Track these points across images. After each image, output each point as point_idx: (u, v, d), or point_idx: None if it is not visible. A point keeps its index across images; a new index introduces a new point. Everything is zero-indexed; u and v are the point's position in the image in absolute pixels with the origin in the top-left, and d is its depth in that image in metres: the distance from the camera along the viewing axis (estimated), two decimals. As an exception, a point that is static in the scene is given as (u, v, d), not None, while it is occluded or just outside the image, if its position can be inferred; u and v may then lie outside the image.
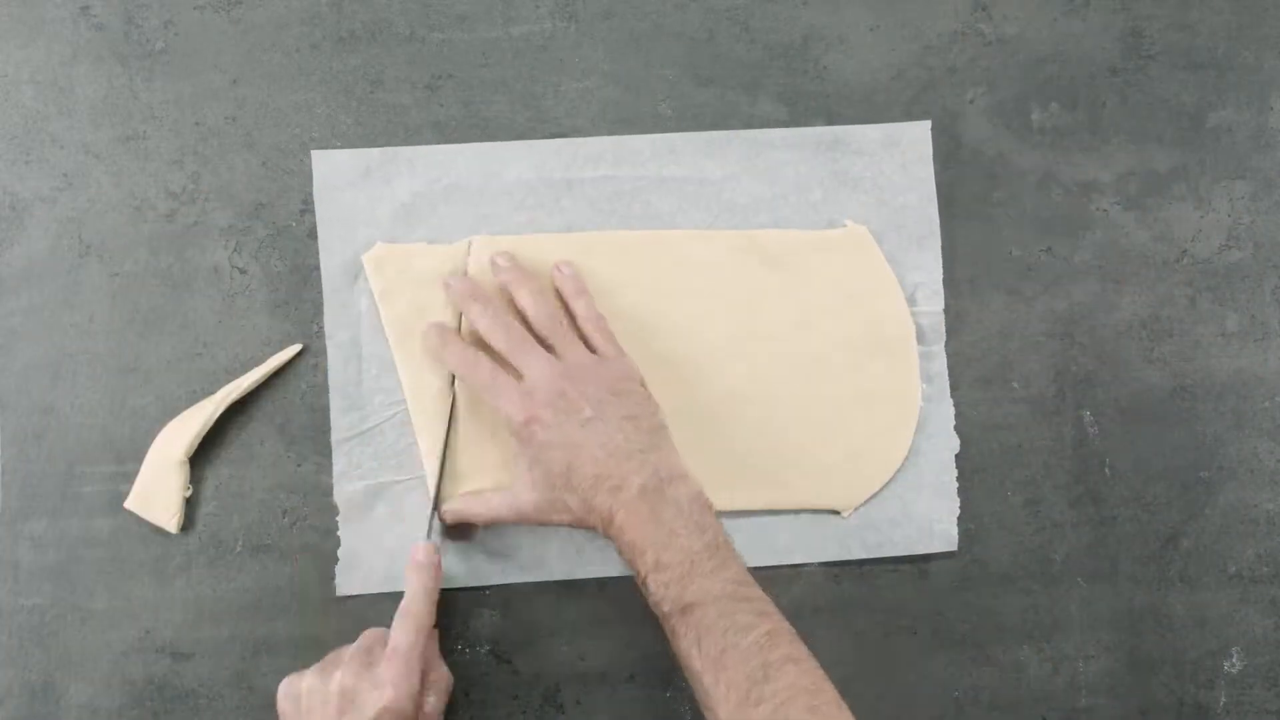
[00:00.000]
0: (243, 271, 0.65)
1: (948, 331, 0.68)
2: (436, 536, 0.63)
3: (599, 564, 0.65)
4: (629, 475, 0.56)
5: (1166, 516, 0.69)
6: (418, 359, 0.64)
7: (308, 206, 0.65)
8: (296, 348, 0.65)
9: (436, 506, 0.63)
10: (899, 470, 0.66)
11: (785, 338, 0.66)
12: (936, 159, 0.68)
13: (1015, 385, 0.68)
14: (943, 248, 0.68)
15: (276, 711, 0.57)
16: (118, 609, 0.63)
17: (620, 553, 0.57)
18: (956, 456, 0.67)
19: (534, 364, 0.59)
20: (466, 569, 0.64)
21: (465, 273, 0.65)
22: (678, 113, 0.68)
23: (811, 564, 0.66)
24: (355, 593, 0.63)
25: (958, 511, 0.67)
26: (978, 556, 0.67)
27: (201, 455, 0.64)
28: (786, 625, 0.54)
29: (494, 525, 0.63)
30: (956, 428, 0.67)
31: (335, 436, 0.64)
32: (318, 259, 0.65)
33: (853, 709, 0.66)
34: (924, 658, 0.67)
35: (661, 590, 0.54)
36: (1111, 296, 0.69)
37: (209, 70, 0.66)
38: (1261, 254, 0.70)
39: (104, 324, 0.64)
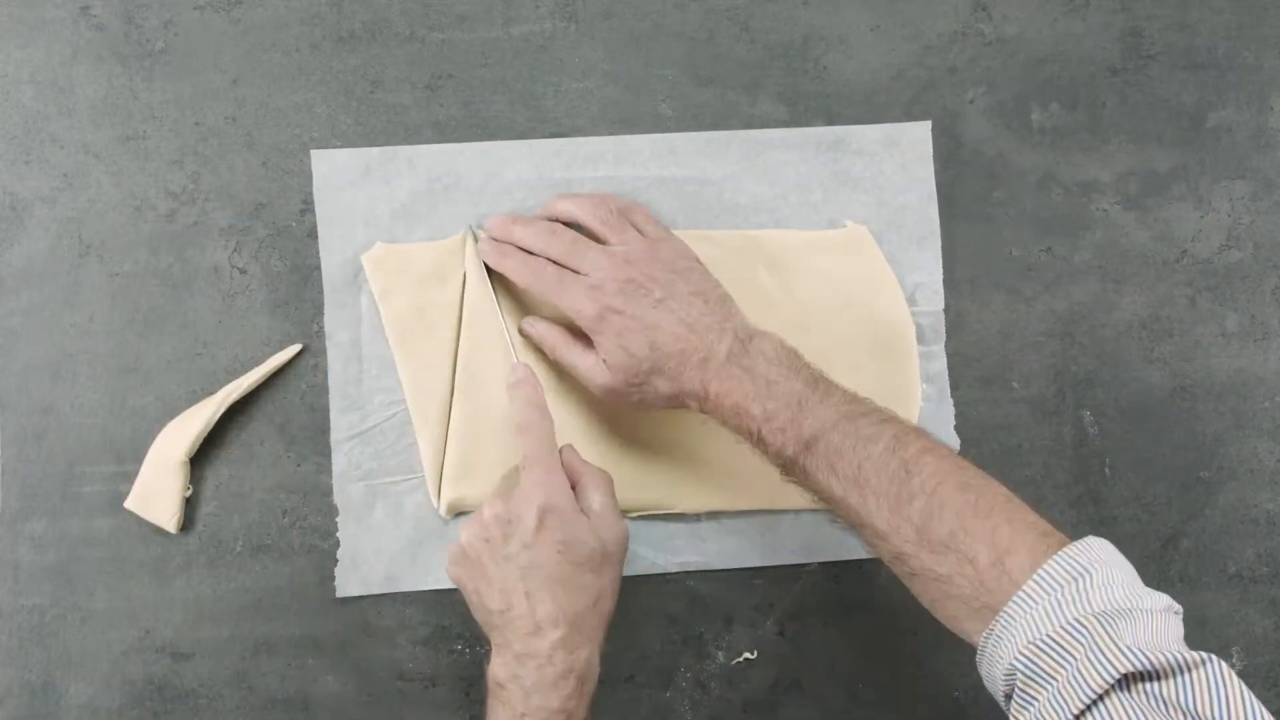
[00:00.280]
0: (243, 271, 0.65)
1: (948, 331, 0.68)
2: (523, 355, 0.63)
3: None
4: (712, 345, 0.56)
5: (1166, 516, 0.69)
6: (418, 358, 0.64)
7: (308, 206, 0.65)
8: (296, 348, 0.65)
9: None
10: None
11: (785, 337, 0.66)
12: (936, 159, 0.68)
13: (1015, 385, 0.68)
14: (943, 248, 0.68)
15: (456, 587, 0.57)
16: (118, 609, 0.63)
17: (725, 422, 0.57)
18: (956, 456, 0.67)
19: (594, 258, 0.59)
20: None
21: (464, 274, 0.65)
22: (678, 113, 0.68)
23: (812, 564, 0.66)
24: (355, 594, 0.64)
25: (958, 511, 0.67)
26: (978, 556, 0.67)
27: (201, 455, 0.64)
28: (908, 425, 0.54)
29: (560, 365, 0.62)
30: (956, 428, 0.67)
31: (335, 436, 0.64)
32: (318, 259, 0.65)
33: (853, 709, 0.66)
34: (924, 658, 0.67)
35: (779, 437, 0.54)
36: (1111, 296, 0.69)
37: (209, 70, 0.66)
38: (1261, 254, 0.70)
39: (104, 324, 0.64)
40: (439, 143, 0.66)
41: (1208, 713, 0.41)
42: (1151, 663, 0.42)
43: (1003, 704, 0.48)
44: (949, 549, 0.49)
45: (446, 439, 0.64)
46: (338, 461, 0.64)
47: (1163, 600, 0.47)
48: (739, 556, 0.66)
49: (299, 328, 0.65)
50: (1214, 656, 0.43)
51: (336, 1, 0.67)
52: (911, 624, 0.66)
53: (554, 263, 0.60)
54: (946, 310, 0.68)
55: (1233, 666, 0.68)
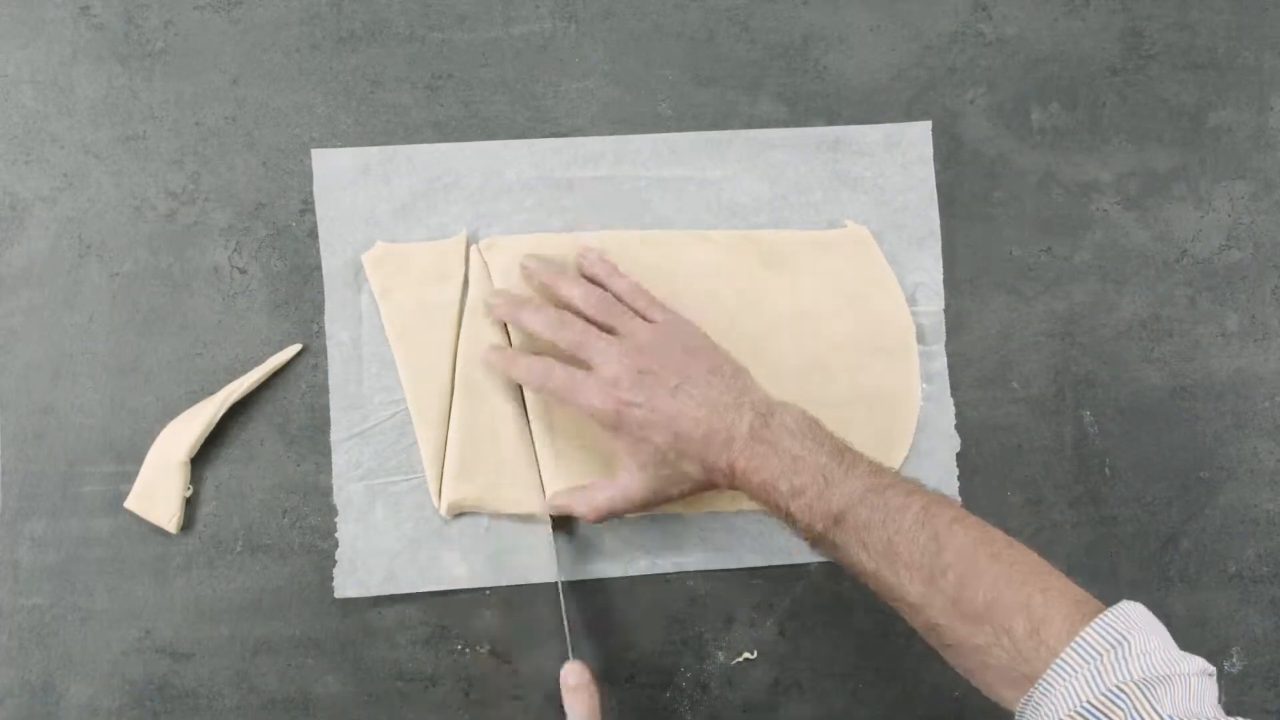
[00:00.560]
0: (243, 271, 0.65)
1: (948, 331, 0.68)
2: (578, 652, 0.62)
3: (600, 564, 0.65)
4: (734, 424, 0.56)
5: (1166, 516, 0.69)
6: (418, 357, 0.64)
7: (308, 206, 0.65)
8: (296, 348, 0.65)
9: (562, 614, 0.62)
10: (900, 470, 0.66)
11: (785, 338, 0.66)
12: (937, 159, 0.68)
13: (1015, 385, 0.68)
14: (943, 248, 0.68)
15: None
16: (118, 609, 0.63)
17: (753, 497, 0.57)
18: (957, 456, 0.67)
19: (605, 351, 0.59)
20: (468, 571, 0.64)
21: (464, 273, 0.65)
22: (678, 113, 0.68)
23: (811, 564, 0.66)
24: (353, 595, 0.63)
25: (958, 511, 0.67)
26: (978, 556, 0.67)
27: (201, 455, 0.64)
28: (936, 492, 0.54)
29: (602, 520, 0.62)
30: (957, 427, 0.67)
31: (335, 436, 0.64)
32: (318, 259, 0.65)
33: (853, 709, 0.66)
34: (924, 658, 0.66)
35: (806, 513, 0.54)
36: (1111, 296, 0.69)
37: (209, 70, 0.66)
38: (1261, 254, 0.70)
39: (104, 324, 0.64)
40: (439, 142, 0.66)
41: None
42: None
43: None
44: (984, 620, 0.50)
45: (447, 438, 0.64)
46: (338, 461, 0.64)
47: (1198, 664, 0.48)
48: (739, 556, 0.66)
49: (299, 328, 0.65)
50: None
51: (336, 1, 0.67)
52: (912, 624, 0.66)
53: (565, 354, 0.60)
54: (946, 310, 0.68)
55: (1233, 666, 0.68)
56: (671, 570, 0.65)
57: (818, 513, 0.54)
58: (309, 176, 0.65)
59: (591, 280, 0.63)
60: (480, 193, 0.66)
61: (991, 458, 0.68)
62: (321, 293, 0.65)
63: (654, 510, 0.62)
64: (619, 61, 0.68)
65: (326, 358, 0.64)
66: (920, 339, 0.67)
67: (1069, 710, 0.45)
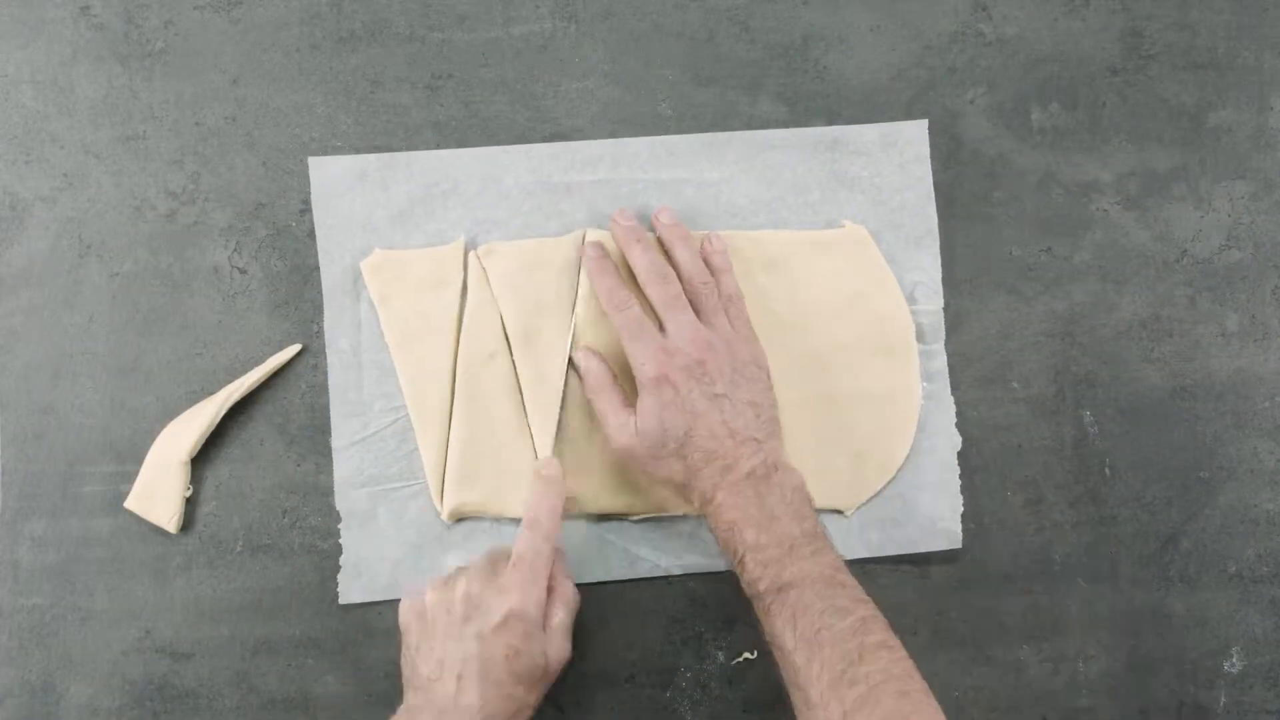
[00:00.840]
0: (243, 271, 0.65)
1: (948, 332, 0.68)
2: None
3: (600, 567, 0.65)
4: (741, 459, 0.57)
5: (1166, 516, 0.69)
6: (418, 364, 0.64)
7: (307, 207, 0.65)
8: (296, 348, 0.65)
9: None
10: (901, 469, 0.66)
11: (785, 338, 0.66)
12: (937, 159, 0.68)
13: (1015, 385, 0.68)
14: (943, 248, 0.68)
15: (400, 630, 0.58)
16: (118, 609, 0.63)
17: (715, 530, 0.58)
18: (957, 456, 0.67)
19: (683, 323, 0.59)
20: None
21: (462, 279, 0.65)
22: (678, 113, 0.68)
23: (811, 564, 0.66)
24: (358, 600, 0.64)
25: (961, 509, 0.67)
26: (978, 556, 0.67)
27: (201, 455, 0.64)
28: (879, 614, 0.55)
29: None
30: (957, 426, 0.67)
31: (337, 443, 0.64)
32: (318, 259, 0.65)
33: (852, 709, 0.66)
34: (924, 658, 0.66)
35: (759, 569, 0.55)
36: (1111, 296, 0.69)
37: (209, 70, 0.66)
38: (1261, 254, 0.70)
39: (104, 324, 0.64)
40: (439, 143, 0.66)
41: None
42: None
43: None
44: None
45: (448, 444, 0.64)
46: (340, 468, 0.64)
47: None
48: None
49: (299, 328, 0.65)
50: None
51: (336, 1, 0.67)
52: (911, 624, 0.66)
53: (645, 303, 0.60)
54: (946, 310, 0.68)
55: (1233, 666, 0.68)
56: (672, 571, 0.65)
57: (769, 573, 0.55)
58: (309, 176, 0.65)
59: (707, 263, 0.63)
60: (478, 198, 0.66)
61: (991, 457, 0.68)
62: (321, 293, 0.65)
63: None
64: (619, 61, 0.68)
65: (326, 358, 0.64)
66: (920, 338, 0.67)
67: None
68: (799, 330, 0.66)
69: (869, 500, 0.66)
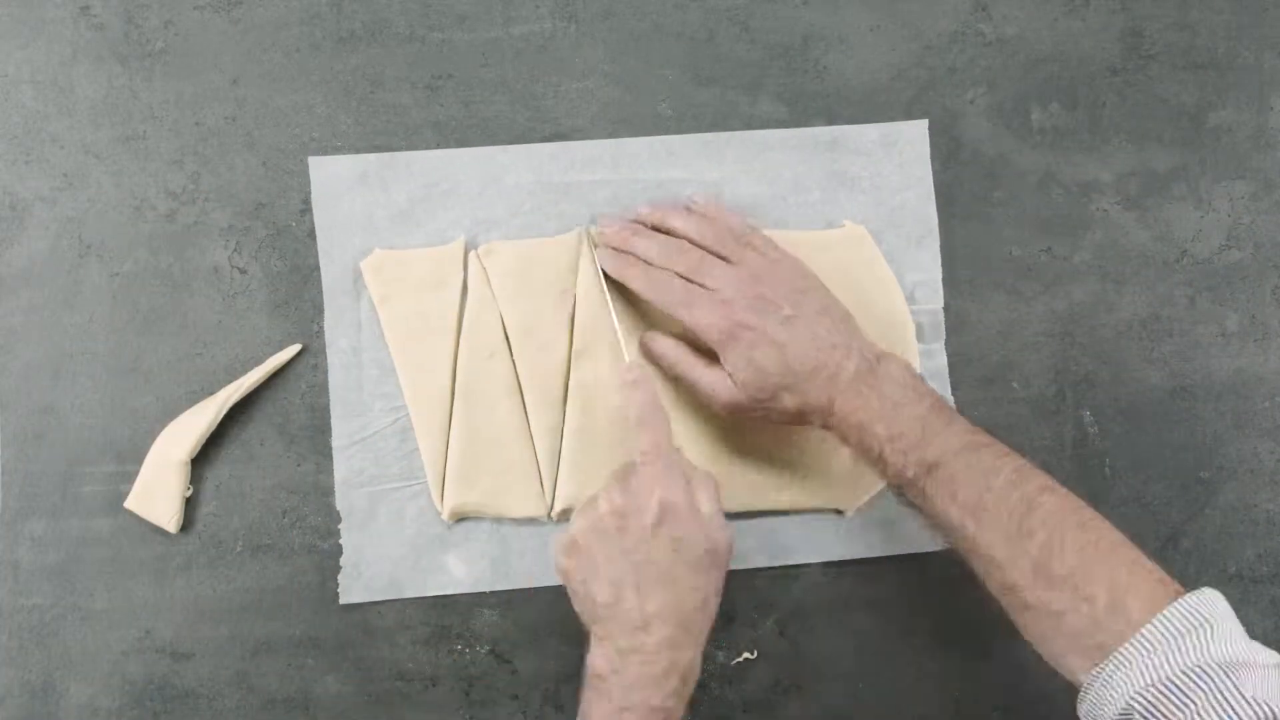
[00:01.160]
0: (243, 271, 0.65)
1: (948, 331, 0.68)
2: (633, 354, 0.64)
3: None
4: (840, 363, 0.57)
5: (1166, 516, 0.69)
6: (418, 363, 0.64)
7: (308, 206, 0.65)
8: (296, 348, 0.65)
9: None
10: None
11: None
12: (937, 159, 0.68)
13: (1015, 385, 0.68)
14: (943, 247, 0.68)
15: (562, 577, 0.57)
16: (118, 609, 0.63)
17: (845, 438, 0.58)
18: (956, 456, 0.67)
19: (721, 274, 0.59)
20: (471, 576, 0.64)
21: (463, 279, 0.65)
22: (678, 113, 0.68)
23: (812, 564, 0.66)
24: (358, 601, 0.64)
25: (958, 511, 0.67)
26: (978, 556, 0.67)
27: (201, 455, 0.64)
28: (1027, 461, 0.55)
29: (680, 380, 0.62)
30: (956, 427, 0.67)
31: (337, 443, 0.64)
32: (318, 259, 0.65)
33: (853, 709, 0.66)
34: (924, 658, 0.67)
35: (901, 458, 0.55)
36: (1111, 296, 0.69)
37: (209, 70, 0.66)
38: (1261, 254, 0.70)
39: (104, 324, 0.64)
40: (439, 143, 0.66)
41: None
42: (1275, 715, 0.43)
43: None
44: (1066, 586, 0.50)
45: (448, 444, 0.64)
46: (340, 468, 0.64)
47: (1274, 656, 0.48)
48: (739, 557, 0.65)
49: (299, 328, 0.65)
50: None
51: (336, 1, 0.67)
52: (911, 624, 0.66)
53: (679, 276, 0.60)
54: (946, 310, 0.68)
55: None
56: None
57: (912, 459, 0.55)
58: (309, 176, 0.65)
59: (702, 217, 0.63)
60: (478, 198, 0.66)
61: (991, 458, 0.68)
62: (321, 293, 0.65)
63: (732, 419, 0.61)
64: (619, 61, 0.68)
65: (326, 358, 0.64)
66: (920, 337, 0.67)
67: (1146, 684, 0.46)
68: (799, 330, 0.66)
69: (869, 500, 0.66)
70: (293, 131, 0.66)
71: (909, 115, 0.69)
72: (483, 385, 0.64)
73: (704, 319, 0.58)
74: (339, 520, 0.64)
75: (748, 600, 0.66)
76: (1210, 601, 0.49)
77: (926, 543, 0.66)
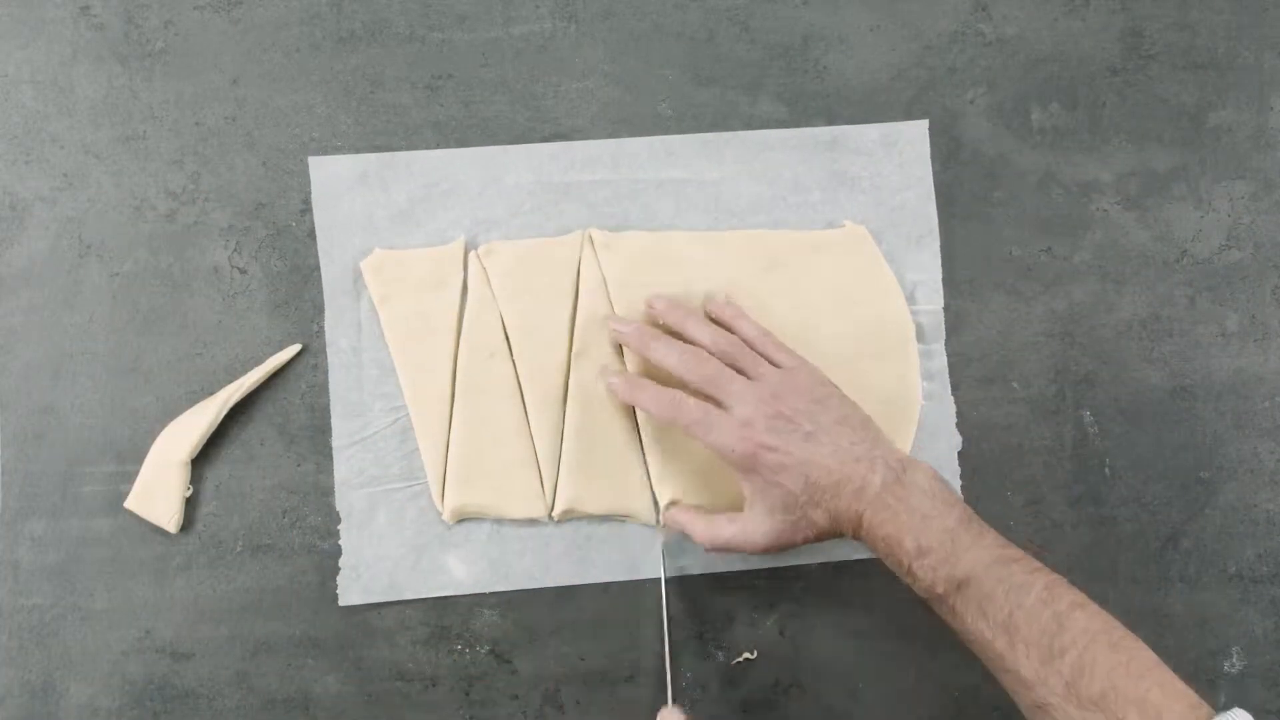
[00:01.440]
0: (243, 271, 0.65)
1: (948, 331, 0.68)
2: (682, 701, 0.63)
3: (602, 568, 0.65)
4: (866, 475, 0.57)
5: (1166, 516, 0.69)
6: (418, 363, 0.64)
7: (308, 206, 0.65)
8: (296, 348, 0.65)
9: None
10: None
11: (786, 338, 0.66)
12: (937, 159, 0.68)
13: (1015, 385, 0.68)
14: (943, 248, 0.68)
15: None
16: (118, 609, 0.63)
17: (875, 550, 0.57)
18: (957, 455, 0.67)
19: (739, 392, 0.59)
20: (471, 577, 0.64)
21: (463, 279, 0.65)
22: (678, 113, 0.68)
23: (812, 564, 0.66)
24: (357, 602, 0.64)
25: (959, 511, 0.67)
26: (978, 556, 0.67)
27: (201, 455, 0.64)
28: (1059, 576, 0.55)
29: (715, 551, 0.62)
30: (957, 426, 0.67)
31: (336, 443, 0.64)
32: (318, 259, 0.65)
33: (853, 709, 0.66)
34: (924, 658, 0.67)
35: (930, 574, 0.55)
36: (1111, 296, 0.69)
37: (209, 70, 0.66)
38: (1261, 254, 0.70)
39: (104, 324, 0.64)
40: (439, 143, 0.66)
41: None
42: None
43: None
44: (1099, 707, 0.50)
45: (449, 444, 0.64)
46: (339, 469, 0.64)
47: None
48: (739, 557, 0.66)
49: (299, 328, 0.65)
50: None
51: (336, 1, 0.67)
52: (911, 624, 0.66)
53: (695, 390, 0.60)
54: (946, 310, 0.68)
55: (1233, 666, 0.68)
56: (672, 571, 0.65)
57: (941, 575, 0.54)
58: (309, 176, 0.65)
59: (717, 323, 0.63)
60: (478, 198, 0.66)
61: (991, 457, 0.68)
62: (321, 293, 0.65)
63: (772, 554, 0.60)
64: (619, 61, 0.68)
65: (326, 358, 0.64)
66: (920, 337, 0.67)
67: None
68: (799, 330, 0.66)
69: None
70: (293, 131, 0.66)
71: (909, 115, 0.69)
72: (483, 385, 0.64)
73: (725, 443, 0.58)
74: (339, 520, 0.64)
75: (748, 600, 0.66)
76: None
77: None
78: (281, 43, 0.66)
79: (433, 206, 0.65)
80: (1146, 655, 0.52)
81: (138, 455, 0.63)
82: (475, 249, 0.65)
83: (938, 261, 0.68)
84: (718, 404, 0.59)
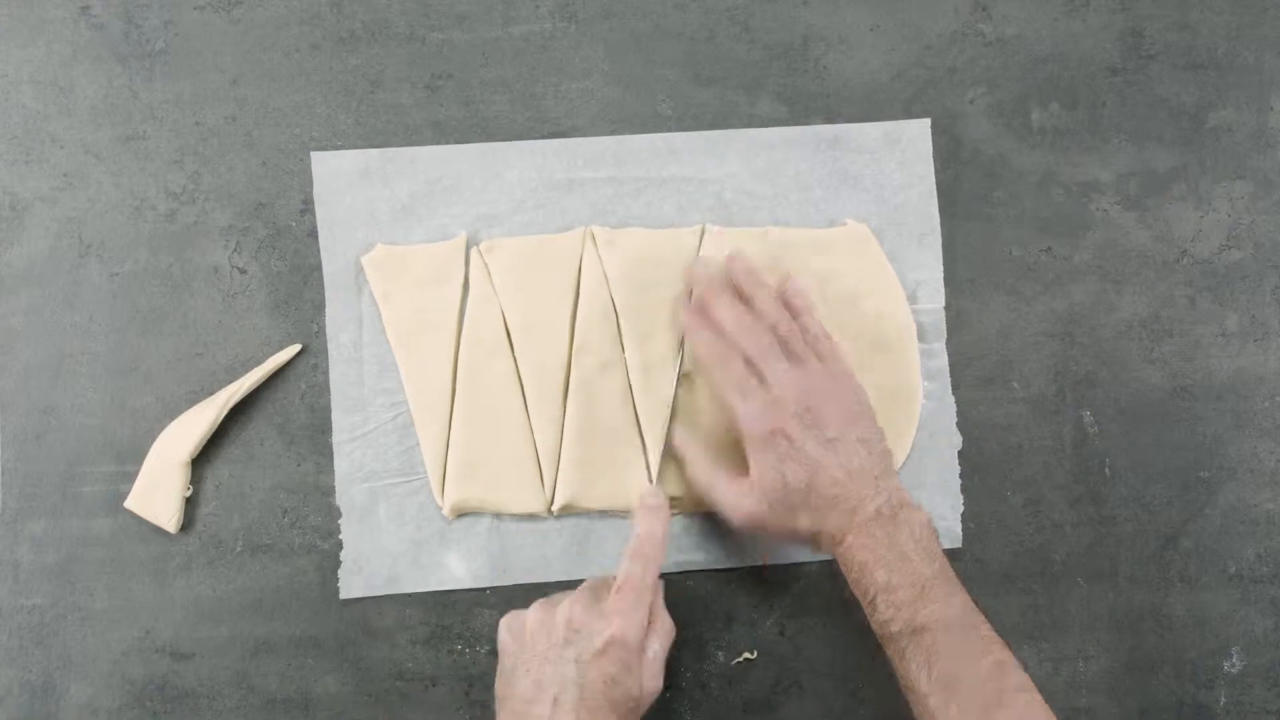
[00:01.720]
0: (243, 271, 0.65)
1: (948, 331, 0.68)
2: (660, 482, 0.63)
3: (601, 564, 0.65)
4: (865, 499, 0.57)
5: (1166, 516, 0.69)
6: (419, 359, 0.64)
7: (308, 206, 0.65)
8: (296, 348, 0.65)
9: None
10: (901, 468, 0.66)
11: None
12: (937, 159, 0.68)
13: (1015, 385, 0.68)
14: (943, 247, 0.68)
15: (498, 648, 0.58)
16: (118, 609, 0.63)
17: (847, 572, 0.57)
18: (957, 455, 0.67)
19: (782, 373, 0.59)
20: (470, 572, 0.64)
21: (464, 275, 0.65)
22: (678, 113, 0.68)
23: (812, 564, 0.66)
24: (359, 595, 0.64)
25: (961, 508, 0.67)
26: (978, 556, 0.67)
27: (201, 455, 0.64)
28: (1013, 656, 0.55)
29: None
30: (958, 425, 0.67)
31: (337, 438, 0.64)
32: (318, 259, 0.65)
33: (853, 709, 0.66)
34: (924, 658, 0.67)
35: (891, 611, 0.55)
36: (1111, 296, 0.69)
37: (209, 70, 0.66)
38: (1261, 254, 0.70)
39: (104, 324, 0.64)
40: (439, 143, 0.66)
41: None
42: None
43: None
44: None
45: (449, 439, 0.64)
46: (340, 464, 0.64)
47: None
48: (739, 556, 0.66)
49: (299, 328, 0.65)
50: None
51: (336, 1, 0.67)
52: (912, 624, 0.66)
53: (743, 357, 0.60)
54: (947, 309, 0.68)
55: (1233, 666, 0.68)
56: (672, 570, 0.65)
57: (902, 616, 0.55)
58: (309, 176, 0.65)
59: (787, 305, 0.63)
60: (480, 194, 0.66)
61: (991, 457, 0.68)
62: (321, 292, 0.65)
63: (740, 531, 0.61)
64: (619, 61, 0.68)
65: (326, 357, 0.65)
66: (921, 337, 0.67)
67: None
68: (799, 330, 0.66)
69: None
70: (293, 131, 0.66)
71: (909, 115, 0.69)
72: (484, 381, 0.64)
73: (749, 414, 0.58)
74: (339, 516, 0.64)
75: (748, 600, 0.66)
76: None
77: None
78: (281, 43, 0.66)
79: (435, 202, 0.65)
80: None
81: (138, 455, 0.63)
82: (477, 245, 0.65)
83: (939, 260, 0.68)
84: (759, 380, 0.59)
